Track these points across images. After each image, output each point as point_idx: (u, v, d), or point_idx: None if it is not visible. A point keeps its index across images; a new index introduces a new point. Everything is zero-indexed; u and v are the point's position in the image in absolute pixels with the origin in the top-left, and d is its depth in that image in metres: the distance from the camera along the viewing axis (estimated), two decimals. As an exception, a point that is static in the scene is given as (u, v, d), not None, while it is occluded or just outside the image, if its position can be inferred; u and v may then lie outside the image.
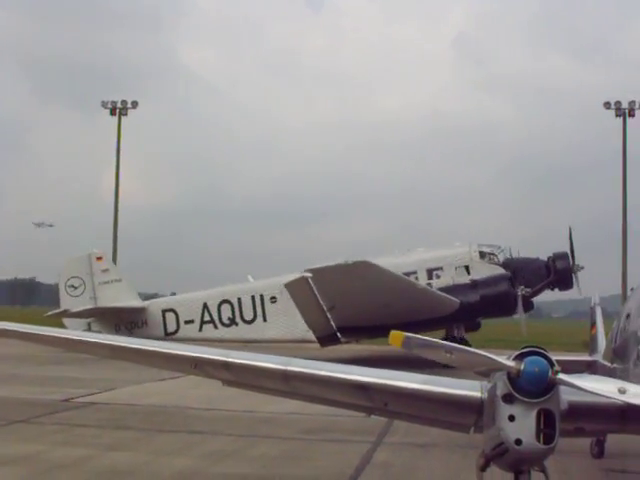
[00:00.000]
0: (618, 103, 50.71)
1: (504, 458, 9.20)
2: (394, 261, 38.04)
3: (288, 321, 38.10)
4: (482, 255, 38.98)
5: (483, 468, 9.88)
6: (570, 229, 38.43)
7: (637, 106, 50.43)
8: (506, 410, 8.70)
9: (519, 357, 8.69)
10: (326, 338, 35.76)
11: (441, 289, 37.45)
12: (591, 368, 14.20)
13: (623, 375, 10.82)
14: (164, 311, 39.99)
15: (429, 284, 37.73)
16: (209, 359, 10.60)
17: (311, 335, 36.27)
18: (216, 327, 39.20)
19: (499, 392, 8.80)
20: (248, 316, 39.11)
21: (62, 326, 41.22)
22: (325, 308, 34.15)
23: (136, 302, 41.23)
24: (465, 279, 37.99)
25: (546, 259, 38.99)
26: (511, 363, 8.64)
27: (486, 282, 37.73)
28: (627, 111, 50.62)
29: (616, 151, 51.82)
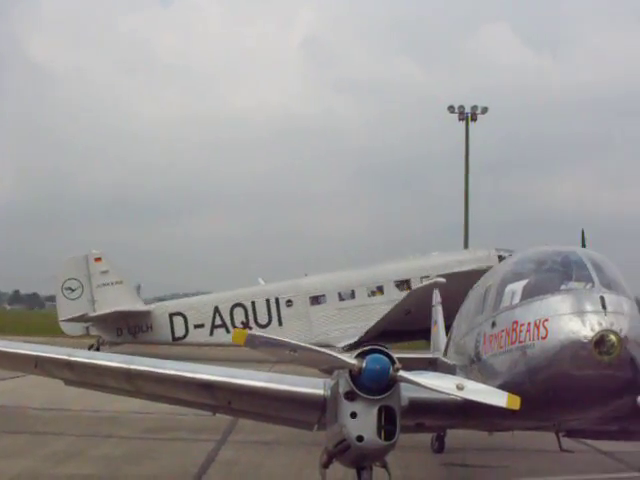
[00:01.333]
0: (461, 107, 52.18)
1: (346, 454, 9.33)
2: (417, 263, 38.36)
3: (304, 325, 37.50)
4: (501, 259, 37.50)
5: (326, 465, 10.01)
6: (583, 231, 38.35)
7: (479, 110, 51.98)
8: (348, 407, 8.82)
9: (361, 355, 8.83)
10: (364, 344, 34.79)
11: None
12: (433, 365, 14.54)
13: (463, 372, 11.15)
14: (171, 315, 38.30)
15: None
16: (51, 358, 10.36)
17: (327, 339, 35.70)
18: (228, 331, 37.08)
19: (341, 390, 8.91)
20: (263, 320, 37.93)
21: (58, 330, 39.18)
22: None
23: (139, 305, 39.33)
24: None
25: None
26: (353, 361, 8.77)
27: None
28: (470, 115, 52.09)
29: (460, 153, 53.24)
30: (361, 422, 8.77)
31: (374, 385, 8.70)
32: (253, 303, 37.78)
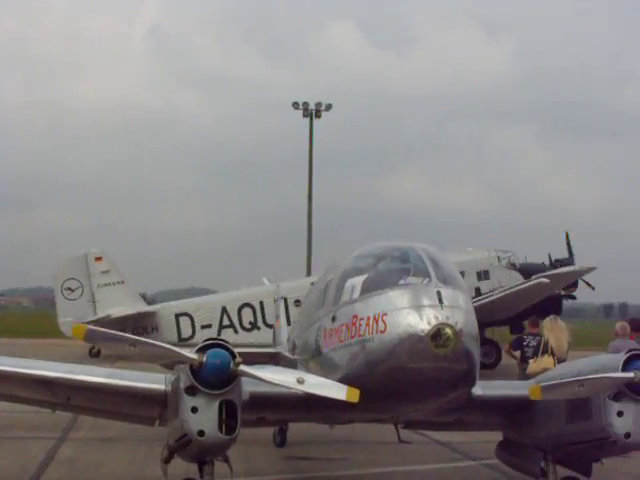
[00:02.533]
0: (306, 104, 52.57)
1: (187, 449, 9.30)
2: None
3: None
4: (500, 260, 39.57)
5: (167, 460, 9.95)
6: (567, 234, 39.21)
7: (324, 107, 52.45)
8: (189, 402, 8.78)
9: (201, 350, 8.80)
10: None
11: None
12: (275, 360, 14.64)
13: (304, 366, 11.27)
14: (177, 315, 37.08)
15: (477, 288, 37.96)
16: None
17: None
18: (236, 332, 36.57)
19: (182, 384, 8.86)
20: (271, 320, 35.31)
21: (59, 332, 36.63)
22: None
23: (141, 306, 38.18)
24: (512, 281, 37.83)
25: (551, 264, 39.70)
26: (193, 355, 8.73)
27: None
28: (314, 112, 52.52)
29: (304, 150, 53.64)
30: (202, 417, 8.74)
31: (215, 379, 8.68)
32: (261, 303, 37.06)
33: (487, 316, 37.86)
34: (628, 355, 9.23)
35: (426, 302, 8.76)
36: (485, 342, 34.86)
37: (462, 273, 30.27)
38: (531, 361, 14.55)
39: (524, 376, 14.13)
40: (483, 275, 39.09)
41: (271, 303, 34.57)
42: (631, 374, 8.99)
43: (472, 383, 9.41)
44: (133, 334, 28.05)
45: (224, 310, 37.18)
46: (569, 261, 39.68)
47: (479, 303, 36.12)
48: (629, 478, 13.43)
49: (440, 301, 8.72)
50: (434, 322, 8.60)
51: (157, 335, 35.60)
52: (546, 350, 14.39)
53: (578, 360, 10.34)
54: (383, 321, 8.91)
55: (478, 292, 38.28)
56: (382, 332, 8.90)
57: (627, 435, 9.25)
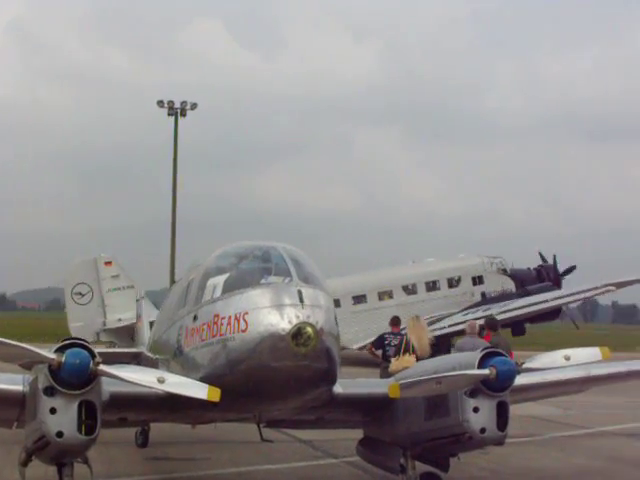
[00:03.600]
0: (171, 102, 52.11)
1: (46, 451, 9.10)
2: (421, 269, 40.96)
3: None
4: (493, 266, 41.32)
5: (25, 463, 9.71)
6: (555, 256, 42.94)
7: (189, 106, 52.08)
8: (47, 403, 8.60)
9: (60, 349, 8.63)
10: None
11: (492, 298, 39.84)
12: (137, 359, 14.48)
13: (165, 365, 11.19)
14: None
15: (472, 292, 40.25)
16: None
17: (343, 341, 34.19)
18: None
19: (40, 385, 8.67)
20: None
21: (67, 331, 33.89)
22: None
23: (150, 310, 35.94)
24: (509, 287, 40.64)
25: (535, 270, 42.45)
26: (52, 355, 8.55)
27: (539, 289, 40.19)
28: (179, 111, 52.13)
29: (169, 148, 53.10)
30: (61, 418, 8.57)
31: (74, 379, 8.53)
32: None
33: (550, 316, 41.38)
34: (484, 353, 9.51)
35: (287, 301, 8.82)
36: None
37: (459, 278, 36.14)
38: (393, 360, 14.82)
39: (386, 374, 14.39)
40: (478, 280, 40.93)
41: None
42: (486, 371, 9.26)
43: (333, 381, 9.54)
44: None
45: None
46: (551, 265, 42.73)
47: (550, 305, 39.02)
48: (485, 472, 13.80)
49: (301, 300, 8.80)
50: (295, 321, 8.67)
51: None
52: (408, 349, 14.68)
53: (436, 358, 10.62)
54: (244, 320, 8.93)
55: (483, 296, 40.80)
56: (243, 331, 8.92)
57: (482, 430, 9.52)
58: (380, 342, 16.11)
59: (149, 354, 13.27)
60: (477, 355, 9.47)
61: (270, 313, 8.81)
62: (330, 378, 9.31)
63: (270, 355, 8.77)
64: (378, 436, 11.26)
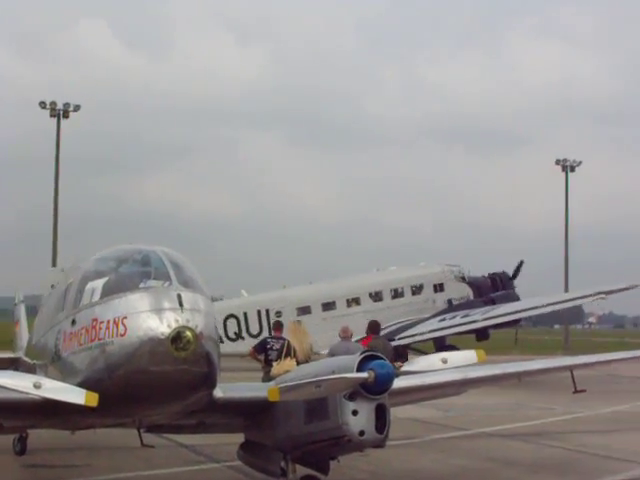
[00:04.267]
0: (53, 103, 51.20)
1: None
2: (386, 277, 42.00)
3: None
4: (453, 274, 42.20)
5: None
6: (522, 262, 43.73)
7: (72, 108, 51.26)
8: None
9: None
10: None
11: (460, 305, 40.50)
12: (15, 365, 14.18)
13: (43, 371, 11.00)
14: None
15: (434, 299, 41.09)
16: None
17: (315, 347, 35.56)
18: (222, 342, 33.15)
19: None
20: (254, 330, 38.69)
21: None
22: None
23: None
24: (467, 294, 41.69)
25: (489, 278, 43.40)
26: None
27: (500, 297, 41.18)
28: (62, 112, 51.24)
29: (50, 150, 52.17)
30: None
31: None
32: (245, 314, 38.82)
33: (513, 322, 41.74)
34: (363, 356, 9.62)
35: (166, 305, 8.80)
36: (451, 347, 36.40)
37: (421, 286, 37.07)
38: (275, 364, 14.86)
39: (268, 379, 14.42)
40: (439, 287, 41.73)
41: (253, 313, 38.74)
42: (365, 374, 9.37)
43: (212, 385, 9.53)
44: None
45: None
46: (504, 273, 43.84)
47: (542, 311, 40.06)
48: (365, 475, 13.98)
49: (180, 304, 8.78)
50: (174, 325, 8.65)
51: None
52: (289, 353, 14.74)
53: (316, 362, 10.69)
54: (123, 324, 8.86)
55: (450, 303, 41.45)
56: (122, 335, 8.85)
57: (361, 433, 9.63)
58: (263, 346, 16.14)
59: (26, 359, 13.02)
60: (356, 358, 9.57)
61: (149, 317, 8.76)
62: (210, 382, 9.31)
63: (149, 359, 8.71)
64: (259, 440, 11.28)
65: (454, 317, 38.99)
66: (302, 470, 10.99)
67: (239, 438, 11.95)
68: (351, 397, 9.59)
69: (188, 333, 8.62)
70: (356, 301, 41.03)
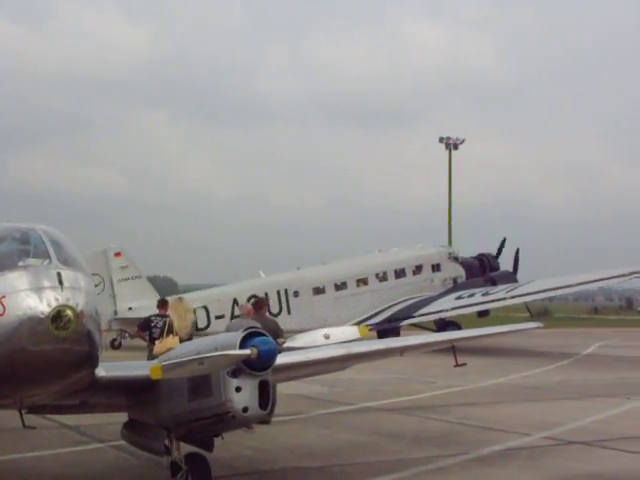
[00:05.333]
0: None
1: None
2: (390, 258, 44.58)
3: (308, 313, 41.34)
4: (447, 255, 45.35)
5: None
6: (504, 239, 46.96)
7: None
8: None
9: None
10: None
11: (463, 284, 43.71)
12: None
13: None
14: (195, 307, 37.14)
15: (432, 279, 43.97)
16: None
17: (326, 324, 35.97)
18: None
19: None
20: (274, 309, 40.03)
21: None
22: None
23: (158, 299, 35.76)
24: (461, 274, 44.67)
25: (477, 259, 46.43)
26: None
27: (501, 275, 44.33)
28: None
29: None
30: None
31: None
32: (266, 294, 39.74)
33: None
34: (245, 333, 9.67)
35: (46, 284, 8.65)
36: (453, 324, 40.56)
37: (421, 266, 40.92)
38: (157, 342, 14.83)
39: (152, 357, 14.37)
40: (436, 267, 44.60)
41: (274, 293, 40.97)
42: (248, 351, 9.41)
43: (94, 364, 9.43)
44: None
45: (235, 302, 39.68)
46: (491, 254, 46.87)
47: (573, 289, 42.46)
48: (251, 451, 14.06)
49: (60, 283, 8.65)
50: (54, 304, 8.52)
51: None
52: (171, 330, 14.72)
53: (200, 339, 10.68)
54: (2, 304, 8.67)
55: (455, 282, 44.62)
56: (1, 315, 8.68)
57: (245, 409, 9.68)
58: (147, 324, 16.05)
59: None
60: (239, 335, 9.61)
61: (28, 296, 8.60)
62: (91, 361, 9.20)
63: (29, 339, 8.57)
64: (142, 419, 11.23)
65: (472, 295, 41.44)
66: (186, 448, 11.00)
67: (123, 417, 11.88)
68: (234, 374, 9.62)
69: (68, 312, 8.50)
70: (364, 281, 43.52)
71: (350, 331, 10.75)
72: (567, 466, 13.02)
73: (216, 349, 9.49)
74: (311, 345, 10.54)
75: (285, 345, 10.10)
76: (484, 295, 40.97)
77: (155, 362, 10.49)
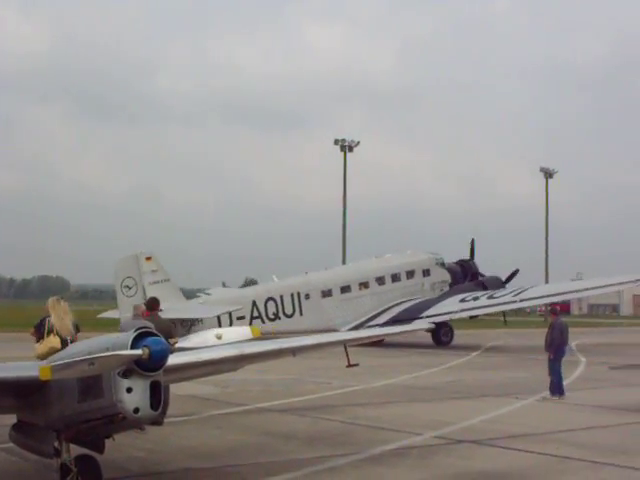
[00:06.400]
0: None
1: None
2: (387, 264, 48.63)
3: (318, 314, 44.76)
4: (436, 261, 49.24)
5: None
6: (473, 240, 51.34)
7: None
8: None
9: None
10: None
11: (456, 288, 47.65)
12: None
13: None
14: None
15: (422, 283, 48.20)
16: None
17: (334, 325, 44.05)
18: (263, 322, 42.48)
19: None
20: (289, 311, 44.26)
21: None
22: None
23: (183, 301, 42.27)
24: (447, 279, 48.89)
25: (458, 264, 50.26)
26: None
27: (489, 281, 48.41)
28: None
29: None
30: None
31: None
32: (281, 297, 44.18)
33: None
34: (137, 333, 9.55)
35: None
36: (445, 325, 45.26)
37: (413, 271, 48.81)
38: (38, 343, 14.60)
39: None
40: (426, 272, 48.73)
41: (288, 296, 44.21)
42: (139, 351, 9.31)
43: None
44: (182, 326, 38.44)
45: (254, 304, 43.47)
46: (470, 260, 50.67)
47: (576, 295, 50.92)
48: (143, 452, 13.94)
49: None
50: None
51: (202, 326, 39.02)
52: (52, 330, 14.49)
53: (91, 339, 10.51)
54: None
55: (451, 286, 48.67)
56: None
57: (136, 410, 9.56)
58: (40, 324, 15.73)
59: None
60: (130, 335, 9.50)
61: None
62: None
63: None
64: (31, 420, 10.99)
65: (476, 298, 45.12)
66: (77, 450, 10.84)
67: (11, 419, 11.63)
68: (125, 374, 9.50)
69: None
70: (365, 285, 47.34)
71: (242, 331, 10.73)
72: (457, 464, 13.26)
73: (107, 349, 9.35)
74: (203, 345, 10.47)
75: (177, 345, 10.01)
76: (490, 298, 44.82)
77: (44, 362, 10.30)
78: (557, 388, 21.63)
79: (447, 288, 48.86)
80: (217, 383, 21.82)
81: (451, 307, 44.73)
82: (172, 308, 38.11)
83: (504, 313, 50.26)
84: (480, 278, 49.36)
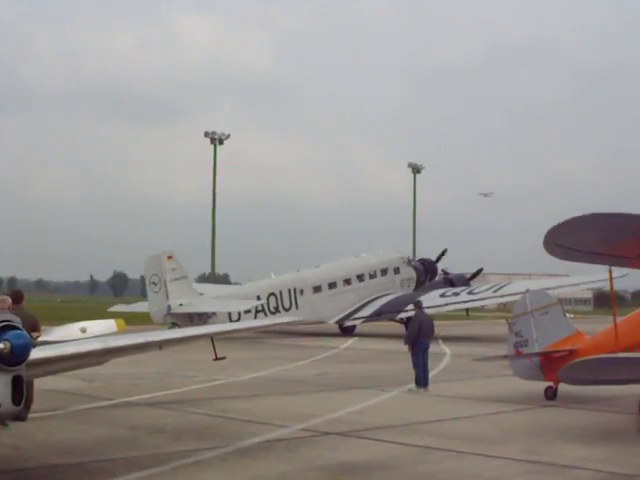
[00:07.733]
0: None
1: None
2: (365, 262, 53.50)
3: (310, 308, 48.48)
4: (404, 259, 54.76)
5: None
6: (445, 250, 57.04)
7: None
8: None
9: None
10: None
11: (432, 284, 53.14)
12: None
13: None
14: None
15: (394, 280, 53.18)
16: None
17: (323, 317, 49.97)
18: (266, 315, 46.40)
19: None
20: (287, 305, 48.21)
21: None
22: None
23: (197, 295, 45.30)
24: (414, 276, 54.19)
25: (421, 263, 55.83)
26: None
27: (456, 278, 52.70)
28: None
29: None
30: None
31: None
32: (281, 292, 48.25)
33: None
34: None
35: None
36: None
37: (386, 269, 54.80)
38: None
39: None
40: (397, 270, 53.68)
41: (286, 292, 48.33)
42: (0, 345, 9.13)
43: None
44: (199, 319, 43.13)
45: (258, 298, 46.70)
46: (430, 259, 56.41)
47: (563, 290, 48.43)
48: (7, 449, 13.62)
49: None
50: None
51: (215, 319, 42.55)
52: None
53: None
54: None
55: (418, 282, 54.24)
56: None
57: None
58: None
59: None
60: None
61: None
62: None
63: None
64: None
65: (456, 293, 49.29)
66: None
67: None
68: None
69: None
70: (348, 281, 51.93)
71: (107, 325, 10.61)
72: (323, 456, 13.45)
73: None
74: (67, 339, 10.30)
75: (40, 339, 9.81)
76: (470, 294, 49.14)
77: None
78: (421, 380, 22.12)
79: (413, 284, 54.09)
80: (83, 377, 21.47)
81: (434, 301, 47.68)
82: (191, 302, 43.18)
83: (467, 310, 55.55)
84: (448, 276, 53.56)
